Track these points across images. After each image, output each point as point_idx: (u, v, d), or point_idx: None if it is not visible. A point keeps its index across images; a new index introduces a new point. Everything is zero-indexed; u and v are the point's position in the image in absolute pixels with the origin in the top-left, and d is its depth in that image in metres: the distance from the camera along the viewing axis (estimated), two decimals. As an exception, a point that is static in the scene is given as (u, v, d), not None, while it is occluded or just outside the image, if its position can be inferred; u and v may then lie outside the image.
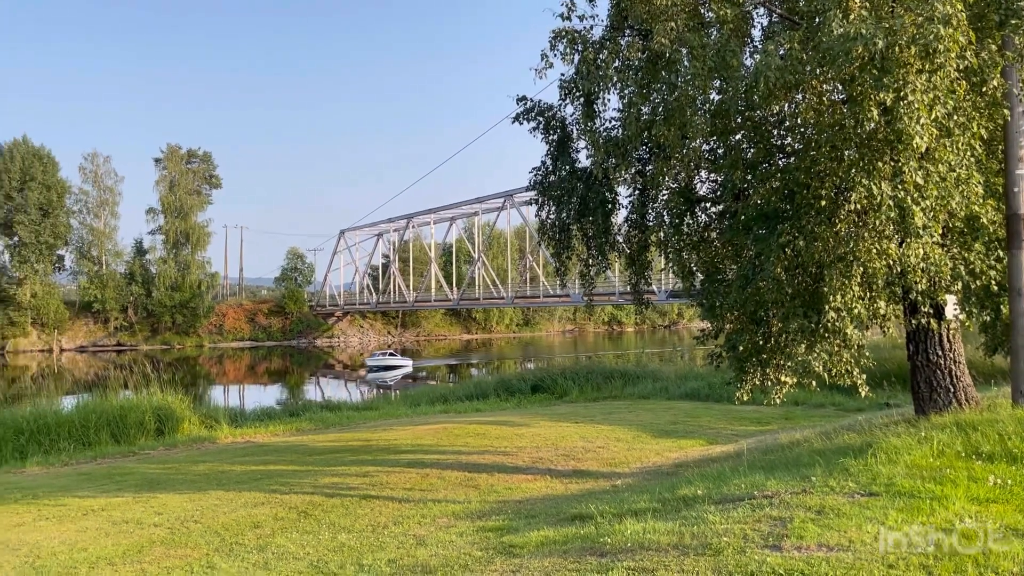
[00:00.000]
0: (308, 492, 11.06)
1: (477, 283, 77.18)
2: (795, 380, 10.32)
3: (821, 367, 9.04)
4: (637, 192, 11.61)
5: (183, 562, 7.74)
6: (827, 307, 8.46)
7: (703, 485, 7.73)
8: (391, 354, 62.67)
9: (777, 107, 9.09)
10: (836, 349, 8.97)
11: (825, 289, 8.35)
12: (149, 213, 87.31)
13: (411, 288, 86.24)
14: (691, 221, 11.14)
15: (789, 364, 9.99)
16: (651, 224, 11.70)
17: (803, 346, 9.19)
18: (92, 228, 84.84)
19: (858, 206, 7.97)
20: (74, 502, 11.06)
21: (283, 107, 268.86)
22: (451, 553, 7.00)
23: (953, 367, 9.86)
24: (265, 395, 44.36)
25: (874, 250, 8.13)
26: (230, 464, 14.14)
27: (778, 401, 10.82)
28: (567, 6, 10.24)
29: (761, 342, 10.11)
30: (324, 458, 14.40)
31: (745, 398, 10.78)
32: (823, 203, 8.33)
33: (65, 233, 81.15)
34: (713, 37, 9.08)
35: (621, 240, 12.66)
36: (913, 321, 9.63)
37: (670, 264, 11.65)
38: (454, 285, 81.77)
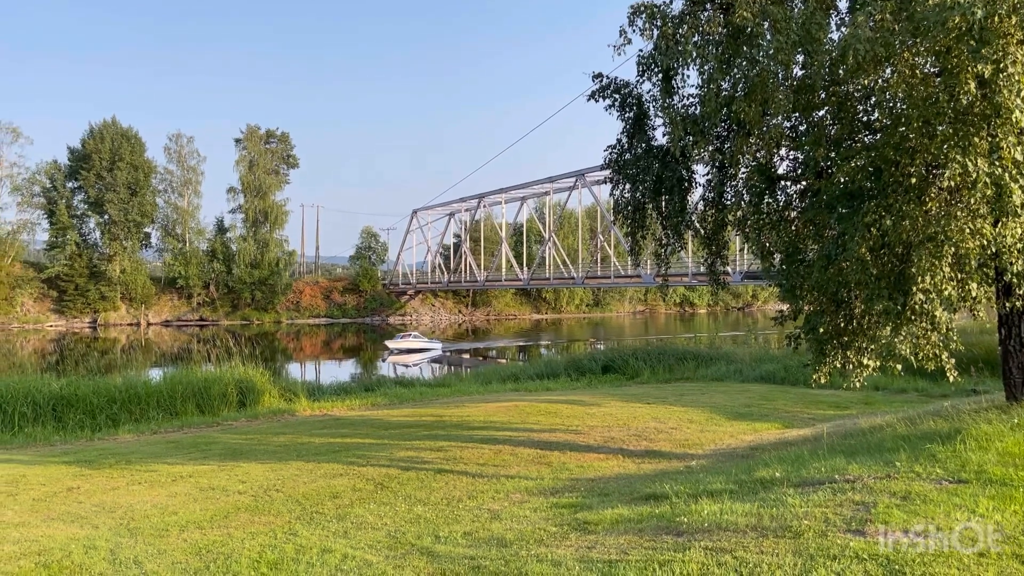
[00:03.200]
0: (384, 465, 11.30)
1: (547, 263, 77.15)
2: (878, 363, 10.06)
3: (908, 350, 8.76)
4: (715, 170, 11.40)
5: (267, 528, 8.01)
6: (915, 289, 8.19)
7: (781, 468, 7.61)
8: (415, 336, 59.12)
9: (865, 81, 8.76)
10: (924, 332, 8.69)
11: (913, 270, 8.08)
12: (230, 192, 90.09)
13: (482, 267, 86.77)
14: (771, 200, 10.88)
15: (872, 347, 9.75)
16: (729, 203, 11.48)
17: (888, 328, 8.93)
18: (176, 206, 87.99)
19: (951, 183, 7.67)
20: (164, 468, 11.57)
21: (358, 89, 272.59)
22: (526, 528, 7.07)
23: (1049, 352, 9.43)
24: (340, 370, 45.42)
25: (967, 229, 7.81)
26: (309, 436, 14.55)
27: (858, 385, 10.57)
28: (646, -20, 10.06)
29: (842, 324, 9.87)
30: (399, 432, 14.68)
31: (823, 381, 10.59)
32: (913, 180, 8.03)
33: (151, 211, 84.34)
34: (797, 9, 8.82)
35: (697, 219, 12.48)
36: (1007, 304, 9.23)
37: (748, 244, 11.43)
38: (524, 265, 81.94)
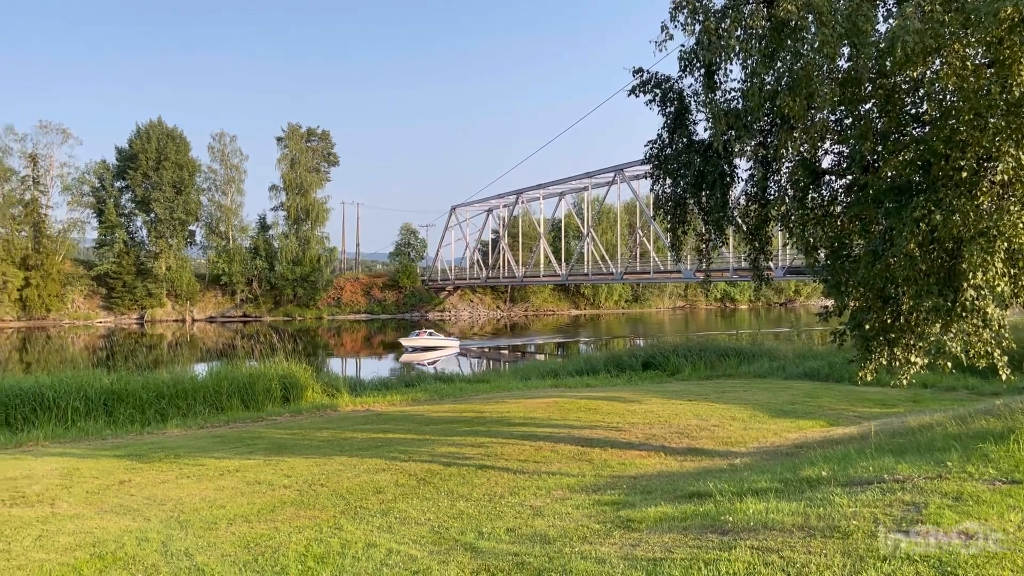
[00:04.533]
0: (426, 460, 11.39)
1: (586, 258, 76.95)
2: (926, 361, 9.87)
3: (958, 348, 8.58)
4: (758, 165, 11.26)
5: (312, 522, 8.13)
6: (965, 285, 8.03)
7: (827, 467, 7.51)
8: (430, 334, 56.40)
9: (913, 73, 8.59)
10: (975, 329, 8.50)
11: (964, 266, 7.91)
12: (272, 190, 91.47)
13: (520, 263, 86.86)
14: (815, 195, 10.72)
15: (920, 344, 9.58)
16: (772, 198, 11.34)
17: (937, 325, 8.77)
18: (220, 204, 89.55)
19: (1003, 177, 7.49)
20: (211, 462, 11.79)
21: (397, 87, 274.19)
22: (568, 525, 7.08)
23: (1107, 350, 9.17)
24: (381, 366, 45.86)
25: (1020, 224, 7.62)
26: (351, 431, 14.72)
27: (905, 383, 10.38)
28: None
29: (889, 320, 9.70)
30: (440, 428, 14.78)
31: (869, 378, 10.42)
32: (963, 174, 7.86)
33: (196, 209, 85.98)
34: (843, 1, 8.67)
35: (739, 215, 12.35)
36: (1062, 300, 8.99)
37: (792, 239, 11.28)
38: (563, 260, 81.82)
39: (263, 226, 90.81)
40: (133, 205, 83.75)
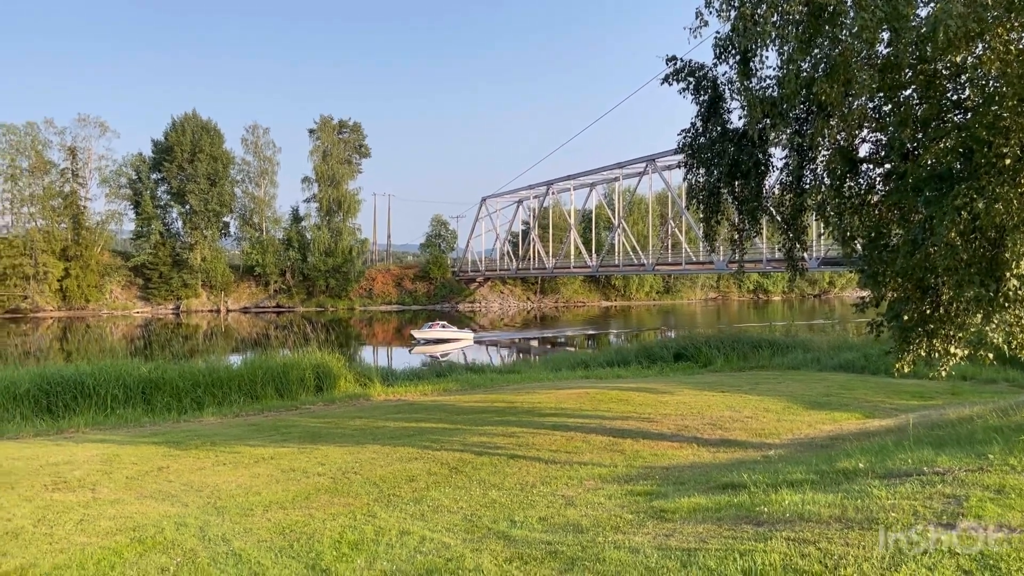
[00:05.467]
0: (458, 449, 11.44)
1: (617, 250, 76.55)
2: (966, 352, 9.70)
3: (1000, 339, 8.41)
4: (793, 153, 11.10)
5: (346, 510, 8.21)
6: (1008, 274, 7.86)
7: (864, 459, 7.41)
8: (443, 326, 54.29)
9: (956, 58, 8.39)
10: (1017, 319, 8.33)
11: (1007, 255, 7.74)
12: (304, 182, 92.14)
13: (550, 255, 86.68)
14: (852, 183, 10.54)
15: (960, 335, 9.41)
16: (808, 187, 11.18)
17: (979, 316, 8.60)
18: (253, 196, 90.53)
19: (1049, 164, 7.30)
20: (246, 450, 11.95)
21: (428, 78, 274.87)
22: (601, 514, 7.07)
23: None
24: (412, 356, 46.10)
25: (1066, 212, 7.43)
26: (384, 420, 14.83)
27: (944, 374, 10.23)
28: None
29: (928, 311, 9.55)
30: (471, 418, 14.83)
31: (906, 370, 10.28)
32: (1007, 161, 7.68)
33: (230, 201, 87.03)
34: (883, -15, 8.49)
35: (773, 204, 12.20)
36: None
37: (828, 229, 11.12)
38: (593, 252, 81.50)
39: (296, 217, 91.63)
40: (169, 197, 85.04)
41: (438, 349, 48.08)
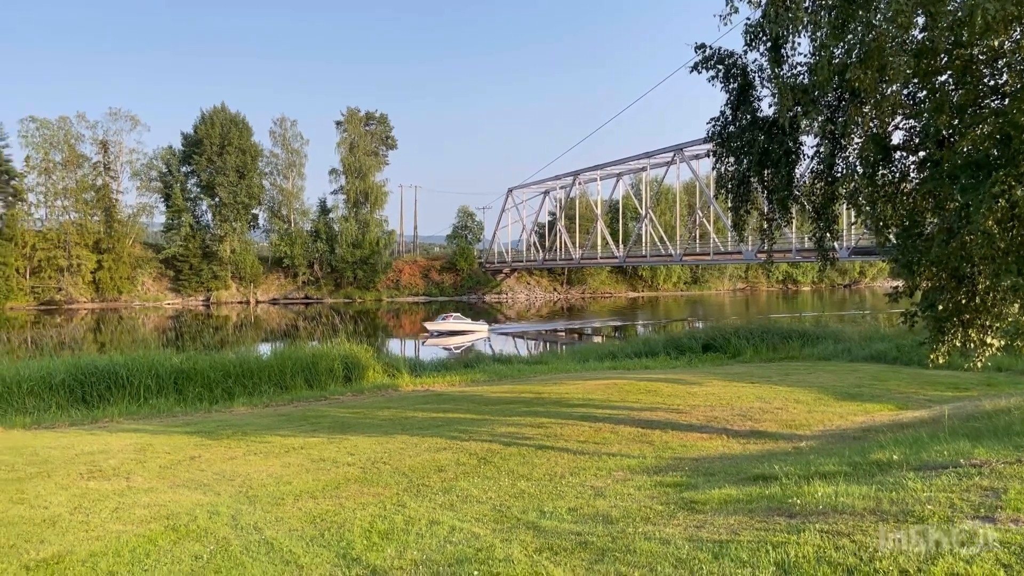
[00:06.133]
0: (486, 440, 11.46)
1: (644, 240, 76.14)
2: (1003, 342, 9.52)
3: (1039, 329, 8.23)
4: (825, 141, 10.93)
5: (376, 499, 8.26)
6: (1048, 263, 7.67)
7: (899, 450, 7.30)
8: (457, 318, 53.11)
9: (993, 43, 8.20)
10: (1057, 310, 8.13)
11: (1047, 243, 7.56)
12: (331, 174, 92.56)
13: (577, 245, 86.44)
14: (886, 171, 10.36)
15: (997, 325, 9.24)
16: (840, 175, 11.01)
17: (1016, 305, 8.44)
18: (281, 188, 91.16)
19: (1091, 150, 7.11)
20: (277, 440, 12.07)
21: (454, 69, 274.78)
22: (631, 505, 7.04)
23: None
24: (441, 348, 46.22)
25: (1108, 199, 7.24)
26: (412, 411, 14.90)
27: (979, 365, 10.06)
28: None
29: (964, 301, 9.38)
30: (499, 408, 14.85)
31: (941, 361, 10.12)
32: (1047, 148, 7.49)
33: (258, 193, 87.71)
34: (918, -31, 8.31)
35: (804, 193, 12.04)
36: None
37: (860, 217, 10.95)
38: (620, 242, 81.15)
39: (323, 209, 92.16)
40: (198, 190, 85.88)
41: (452, 341, 47.42)
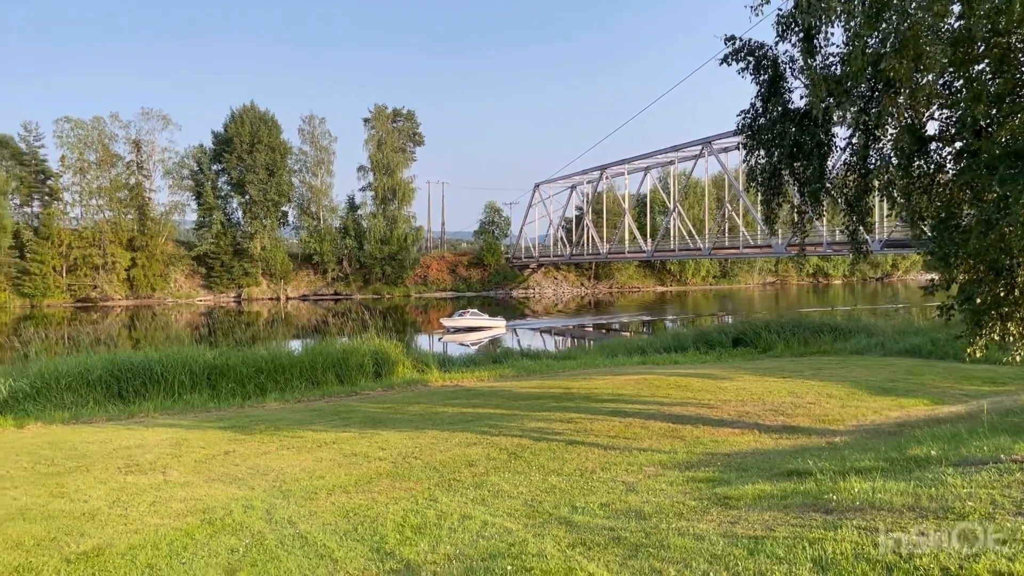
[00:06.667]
0: (516, 435, 11.47)
1: (672, 234, 75.74)
2: (1043, 336, 9.33)
3: (1081, 322, 8.05)
4: (859, 132, 10.78)
5: (408, 494, 8.30)
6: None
7: (937, 446, 7.19)
8: (473, 314, 52.76)
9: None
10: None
11: (1089, 235, 7.39)
12: (360, 171, 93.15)
13: (604, 240, 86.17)
14: (921, 162, 10.20)
15: (1038, 318, 9.04)
16: (874, 167, 10.87)
17: (1058, 298, 8.24)
18: (310, 185, 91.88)
19: None
20: (309, 435, 12.18)
21: (480, 64, 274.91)
22: (663, 501, 7.01)
23: None
24: (470, 344, 46.30)
25: None
26: (442, 406, 14.95)
27: (1018, 359, 9.86)
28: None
29: (1003, 294, 9.21)
30: (528, 403, 14.85)
31: (978, 355, 9.99)
32: (1089, 137, 7.32)
33: (288, 191, 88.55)
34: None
35: (836, 185, 11.89)
36: None
37: (895, 209, 10.80)
38: (648, 236, 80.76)
39: (352, 206, 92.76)
40: (229, 187, 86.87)
41: (469, 337, 46.87)
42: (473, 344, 42.59)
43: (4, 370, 18.78)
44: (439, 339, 46.88)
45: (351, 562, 6.03)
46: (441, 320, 53.48)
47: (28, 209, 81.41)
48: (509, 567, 5.35)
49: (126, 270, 79.93)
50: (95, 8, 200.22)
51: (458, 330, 50.11)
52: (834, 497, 5.80)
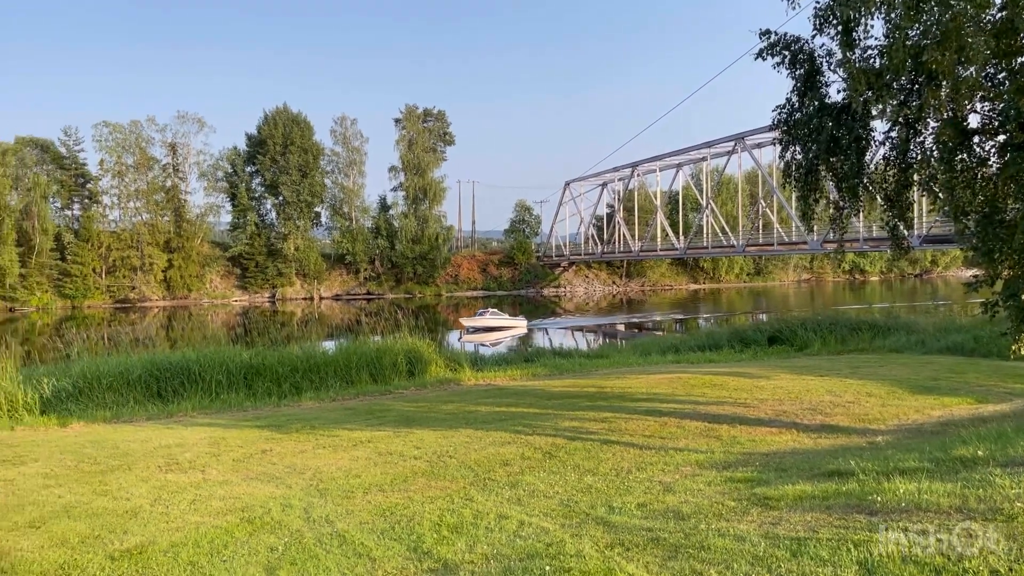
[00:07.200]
0: (550, 434, 11.43)
1: (705, 231, 75.08)
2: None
3: None
4: (899, 126, 10.58)
5: (443, 493, 8.31)
6: None
7: (983, 446, 7.03)
8: (493, 313, 52.70)
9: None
10: None
11: None
12: (391, 171, 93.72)
13: (636, 237, 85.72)
14: (964, 156, 9.98)
15: (1086, 315, 8.82)
16: (914, 161, 10.66)
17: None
18: (343, 186, 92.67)
19: None
20: (344, 434, 12.26)
21: (510, 62, 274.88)
22: (702, 501, 6.93)
23: None
24: (499, 343, 46.31)
25: None
26: (475, 405, 14.97)
27: (1066, 357, 9.61)
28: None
29: (1050, 290, 8.98)
30: (561, 402, 14.81)
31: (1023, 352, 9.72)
32: None
33: (320, 191, 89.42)
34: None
35: (875, 180, 11.68)
36: None
37: (937, 204, 10.60)
38: (680, 234, 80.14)
39: (383, 206, 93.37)
40: (263, 189, 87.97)
41: (489, 337, 46.70)
42: (494, 344, 42.43)
43: (48, 370, 19.16)
44: (459, 339, 46.71)
45: (389, 561, 6.05)
46: (461, 320, 53.56)
47: (69, 212, 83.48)
48: (548, 567, 5.32)
49: (163, 271, 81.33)
50: (131, 13, 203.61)
51: (478, 330, 50.21)
52: (878, 498, 5.69)
